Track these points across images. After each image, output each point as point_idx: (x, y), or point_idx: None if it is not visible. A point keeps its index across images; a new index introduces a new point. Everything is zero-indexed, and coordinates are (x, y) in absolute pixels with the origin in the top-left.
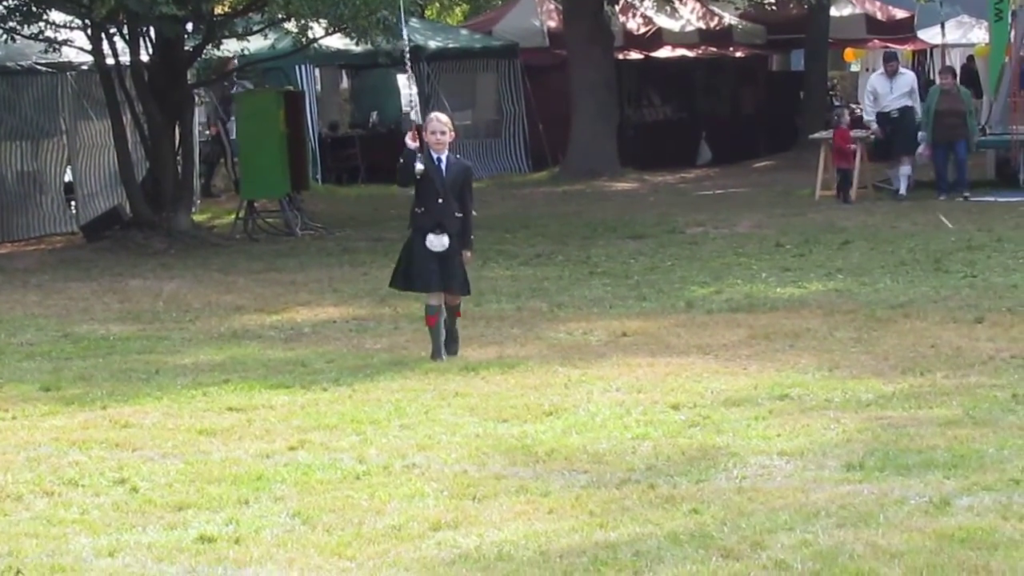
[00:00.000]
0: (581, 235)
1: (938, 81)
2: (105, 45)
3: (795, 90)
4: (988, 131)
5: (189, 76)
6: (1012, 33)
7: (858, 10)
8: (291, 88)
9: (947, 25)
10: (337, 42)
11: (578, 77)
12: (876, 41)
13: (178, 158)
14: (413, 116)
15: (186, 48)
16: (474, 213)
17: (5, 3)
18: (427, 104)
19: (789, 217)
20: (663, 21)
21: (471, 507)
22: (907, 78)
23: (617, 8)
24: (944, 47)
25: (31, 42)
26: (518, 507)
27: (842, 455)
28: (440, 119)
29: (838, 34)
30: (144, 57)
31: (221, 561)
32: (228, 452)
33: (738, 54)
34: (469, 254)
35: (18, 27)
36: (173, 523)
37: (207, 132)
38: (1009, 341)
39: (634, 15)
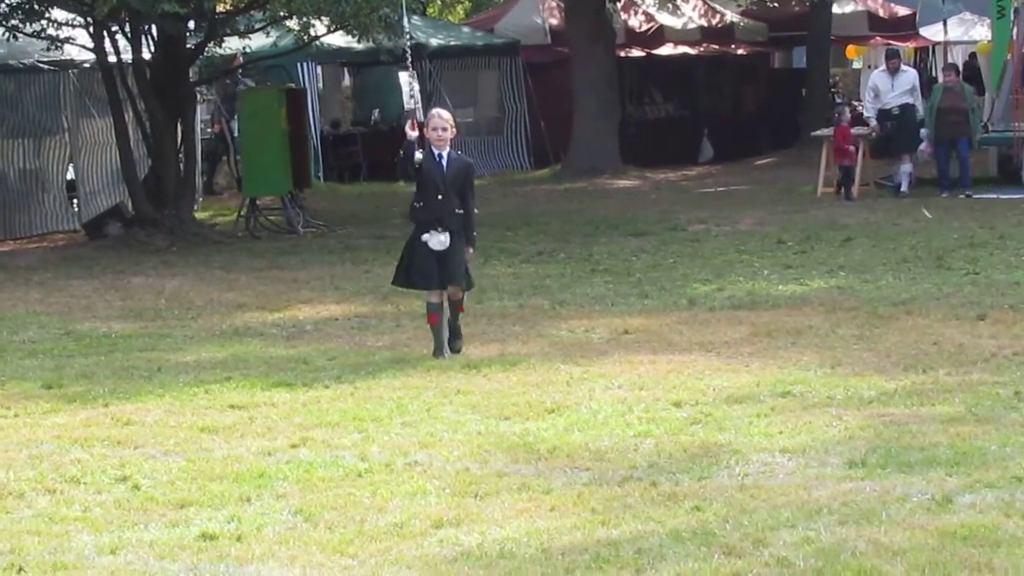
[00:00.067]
0: (583, 232)
1: (940, 78)
2: (107, 43)
3: (797, 87)
4: (990, 128)
5: (191, 74)
6: (1014, 30)
7: (860, 7)
8: (293, 86)
9: (949, 22)
10: (339, 40)
11: (580, 74)
12: (878, 38)
13: (180, 156)
14: (417, 113)
15: (188, 46)
16: (476, 211)
17: (7, 1)
18: (429, 101)
19: (791, 214)
20: (665, 18)
21: (473, 505)
22: (909, 76)
23: (619, 5)
24: (946, 44)
25: (33, 40)
26: (520, 505)
27: (844, 452)
28: (442, 115)
29: (840, 31)
30: (146, 55)
31: (223, 559)
32: (230, 450)
33: (740, 51)
34: (471, 250)
35: (20, 25)
36: (175, 521)
37: (209, 130)
38: (1011, 338)
39: (636, 12)
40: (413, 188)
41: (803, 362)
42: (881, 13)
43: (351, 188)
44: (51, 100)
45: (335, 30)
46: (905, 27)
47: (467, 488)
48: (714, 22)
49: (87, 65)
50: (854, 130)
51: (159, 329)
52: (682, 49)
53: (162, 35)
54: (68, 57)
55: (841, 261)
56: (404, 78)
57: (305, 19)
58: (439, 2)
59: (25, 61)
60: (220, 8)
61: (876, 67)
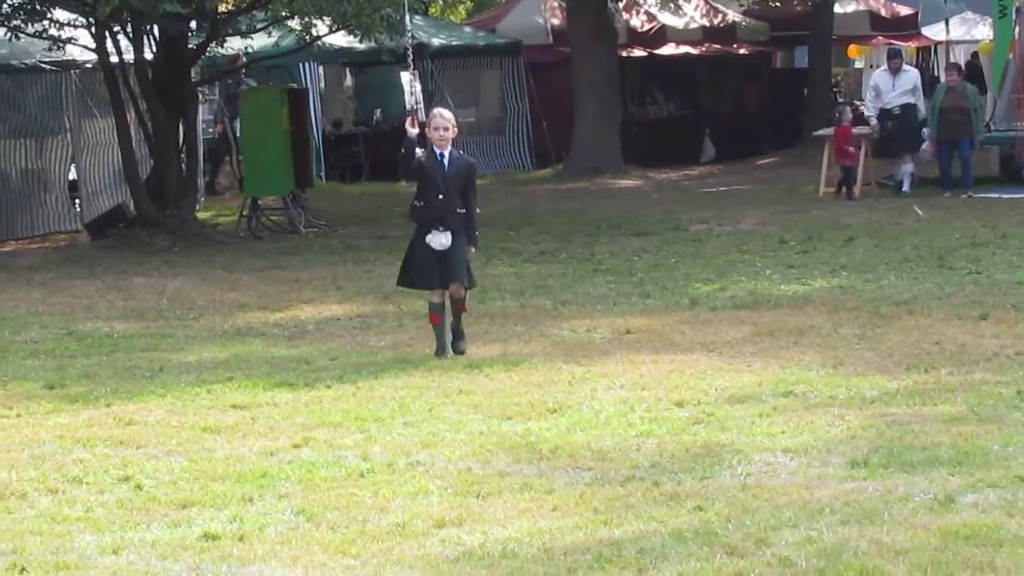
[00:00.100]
0: (585, 232)
1: (943, 78)
2: (109, 43)
3: (799, 87)
4: (992, 128)
5: (193, 74)
6: (1016, 30)
7: (862, 7)
8: (295, 86)
9: (951, 22)
10: (341, 40)
11: (582, 74)
12: (880, 38)
13: (182, 155)
14: (419, 113)
15: (190, 46)
16: (477, 210)
17: (9, 1)
18: (431, 101)
19: (793, 214)
20: (667, 18)
21: (475, 504)
22: (910, 75)
23: (621, 5)
24: (948, 44)
25: (35, 40)
26: (522, 504)
27: (846, 452)
28: (444, 115)
29: (842, 31)
30: (148, 55)
31: (225, 559)
32: (232, 450)
33: (742, 51)
34: (474, 250)
35: (22, 25)
36: (177, 521)
37: (211, 130)
38: (1014, 338)
39: (638, 12)
40: (414, 188)
41: (805, 362)
42: (883, 12)
43: (353, 188)
44: (53, 100)
45: (337, 30)
46: (907, 27)
47: (469, 488)
48: (716, 22)
49: (89, 65)
50: (856, 130)
51: (161, 329)
52: (684, 49)
53: (164, 35)
54: (70, 57)
55: (843, 261)
56: (406, 78)
57: (307, 19)
58: (441, 2)
59: (27, 61)
60: (222, 8)
61: (878, 67)
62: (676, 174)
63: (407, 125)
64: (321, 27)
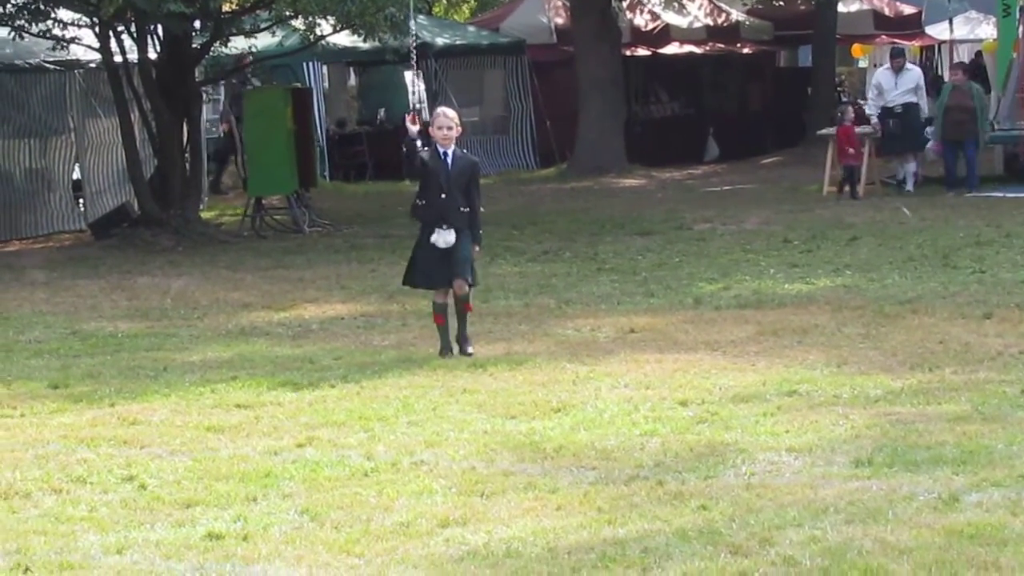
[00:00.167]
0: (589, 231)
1: (947, 77)
2: (113, 43)
3: (803, 86)
4: (996, 127)
5: (197, 73)
6: (1020, 29)
7: (866, 6)
8: (298, 85)
9: (955, 21)
10: (344, 39)
11: (585, 74)
12: (884, 37)
13: (186, 155)
14: (423, 112)
15: (194, 45)
16: (481, 209)
17: (13, 1)
18: (435, 101)
19: (797, 213)
20: (670, 17)
21: (479, 504)
22: (913, 74)
23: (624, 4)
24: (952, 43)
25: (39, 40)
26: (526, 504)
27: (851, 451)
28: (447, 114)
29: (846, 30)
30: (152, 55)
31: (229, 558)
32: (236, 449)
33: (745, 50)
34: (478, 249)
35: (26, 25)
36: (181, 520)
37: (214, 129)
38: (1018, 337)
39: (641, 11)
40: (417, 187)
41: (809, 361)
42: (887, 12)
43: (357, 187)
44: (57, 100)
45: (341, 29)
46: (911, 26)
47: (473, 487)
48: (720, 21)
49: (93, 65)
50: (858, 129)
51: (165, 329)
52: (688, 48)
53: (168, 35)
54: (74, 57)
55: (847, 260)
56: (409, 77)
57: (311, 19)
58: (445, 1)
59: (31, 61)
60: (226, 8)
61: (882, 66)
62: (680, 173)
63: (407, 123)
64: (325, 27)
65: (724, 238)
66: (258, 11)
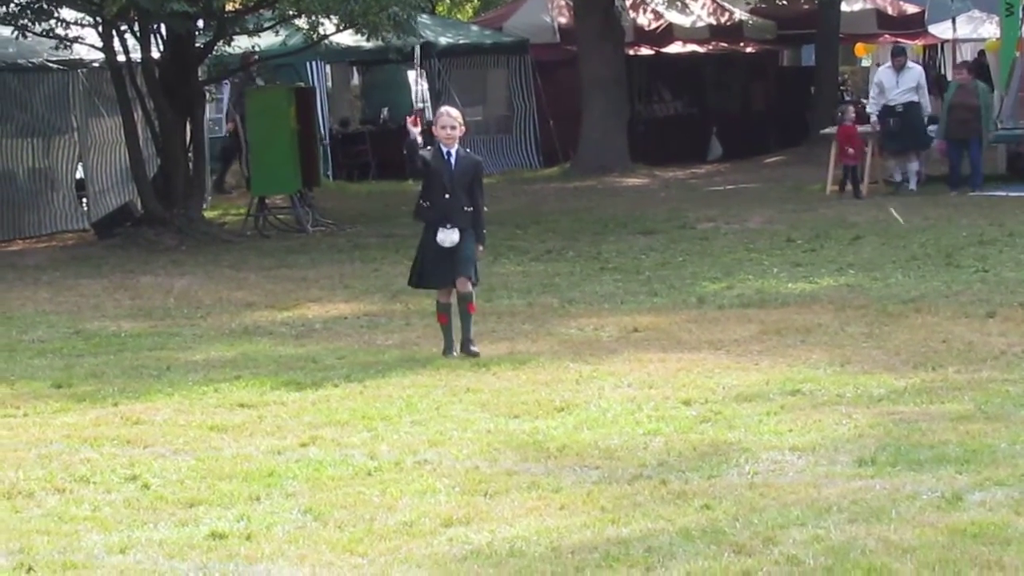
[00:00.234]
0: (592, 231)
1: (949, 76)
2: (116, 42)
3: (806, 85)
4: (999, 126)
5: (200, 73)
6: (1023, 28)
7: (869, 5)
8: (302, 84)
9: (958, 20)
10: (348, 38)
11: (588, 73)
12: (887, 36)
13: (189, 154)
14: (426, 112)
15: (197, 45)
16: (485, 208)
17: (16, 0)
18: (438, 100)
19: (800, 212)
20: (673, 17)
21: (483, 503)
22: (914, 73)
23: (628, 4)
24: (955, 42)
25: (42, 39)
26: (530, 503)
27: (854, 450)
28: (451, 113)
29: (849, 29)
30: (155, 54)
31: (232, 558)
32: (239, 448)
33: (749, 49)
34: (481, 248)
35: (29, 24)
36: (184, 520)
37: (216, 128)
38: (1021, 336)
39: (644, 11)
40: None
41: (812, 360)
42: (890, 11)
43: (360, 187)
44: (60, 99)
45: (344, 29)
46: (914, 25)
47: (477, 486)
48: (723, 20)
49: (96, 64)
50: (860, 128)
51: (168, 328)
52: (691, 47)
53: (171, 34)
54: (77, 56)
55: (850, 259)
56: (413, 77)
57: (314, 18)
58: (448, 1)
59: (34, 60)
60: (229, 7)
61: (883, 64)
62: (683, 172)
63: (409, 125)
64: (328, 26)
65: (727, 237)
66: (261, 10)
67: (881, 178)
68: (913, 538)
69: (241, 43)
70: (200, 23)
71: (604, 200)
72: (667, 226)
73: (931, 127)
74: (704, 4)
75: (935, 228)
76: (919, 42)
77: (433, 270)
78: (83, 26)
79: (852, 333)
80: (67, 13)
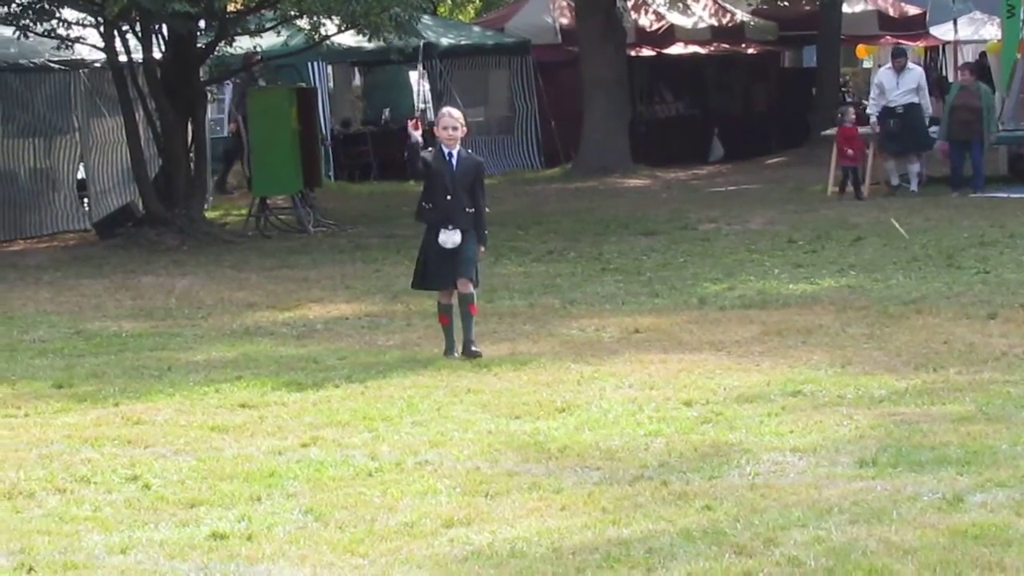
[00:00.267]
0: (593, 232)
1: (951, 77)
2: (118, 42)
3: (807, 86)
4: (1001, 127)
5: (202, 73)
6: None
7: (870, 6)
8: (303, 85)
9: (959, 21)
10: (349, 39)
11: (590, 74)
12: (888, 37)
13: (190, 155)
14: (428, 113)
15: (199, 45)
16: (487, 209)
17: (18, 1)
18: (440, 101)
19: (801, 213)
20: (675, 18)
21: (484, 504)
22: (914, 74)
23: (629, 5)
24: (956, 43)
25: (44, 39)
26: (531, 504)
27: (855, 451)
28: (452, 114)
29: (850, 30)
30: (157, 54)
31: (233, 558)
32: (240, 449)
33: (750, 51)
34: (483, 249)
35: (31, 24)
36: (185, 520)
37: (217, 128)
38: (1022, 337)
39: (646, 12)
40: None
41: (813, 361)
42: (891, 12)
43: (361, 187)
44: (62, 99)
45: (346, 29)
46: (915, 26)
47: (477, 487)
48: (724, 21)
49: (98, 65)
50: (860, 130)
51: (169, 328)
52: (692, 48)
53: (173, 34)
54: (79, 57)
55: (851, 260)
56: (414, 78)
57: (316, 18)
58: (449, 1)
59: (36, 61)
60: (231, 7)
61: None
62: (685, 173)
63: (409, 128)
64: (330, 26)
65: (729, 238)
66: (263, 11)
67: (883, 180)
68: (914, 539)
69: (243, 43)
70: (202, 23)
71: (605, 201)
72: (668, 227)
73: (932, 128)
74: (706, 5)
75: (936, 229)
76: (920, 43)
77: (435, 271)
78: (85, 26)
79: (853, 334)
80: (69, 13)
